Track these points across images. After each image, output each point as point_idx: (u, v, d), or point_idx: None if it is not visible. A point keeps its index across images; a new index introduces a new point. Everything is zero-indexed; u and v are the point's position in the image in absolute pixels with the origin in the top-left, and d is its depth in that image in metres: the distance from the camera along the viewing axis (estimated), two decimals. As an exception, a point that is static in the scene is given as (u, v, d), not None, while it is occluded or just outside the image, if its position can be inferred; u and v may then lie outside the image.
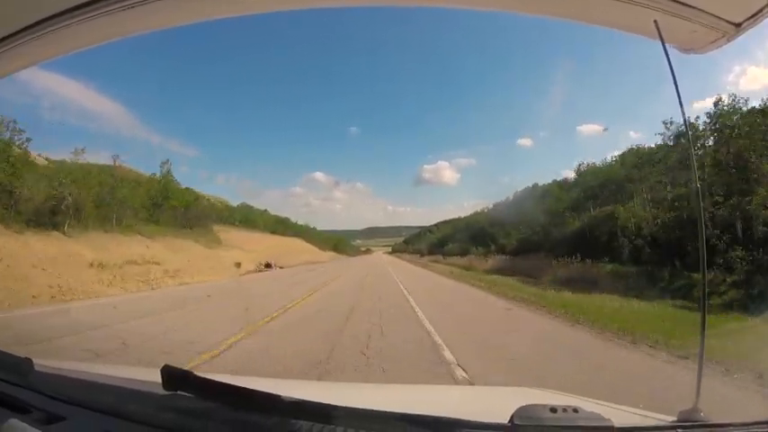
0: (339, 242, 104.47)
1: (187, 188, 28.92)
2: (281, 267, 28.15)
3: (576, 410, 0.78)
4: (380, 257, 76.53)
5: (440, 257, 45.74)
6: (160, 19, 1.21)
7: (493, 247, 33.31)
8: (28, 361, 1.04)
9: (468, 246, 39.77)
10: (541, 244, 26.58)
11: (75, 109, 67.83)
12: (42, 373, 1.04)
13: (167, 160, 30.66)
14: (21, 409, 0.93)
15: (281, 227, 64.42)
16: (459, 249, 42.09)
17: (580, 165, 27.85)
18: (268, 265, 27.40)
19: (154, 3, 1.09)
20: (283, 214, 73.60)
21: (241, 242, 32.64)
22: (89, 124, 73.19)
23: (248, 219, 55.69)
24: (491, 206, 46.76)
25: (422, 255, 68.82)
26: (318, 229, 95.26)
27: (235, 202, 59.43)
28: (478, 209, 51.83)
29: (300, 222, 79.03)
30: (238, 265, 22.65)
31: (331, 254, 77.76)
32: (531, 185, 38.95)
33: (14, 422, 0.83)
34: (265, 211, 66.22)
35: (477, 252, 33.86)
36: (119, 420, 0.88)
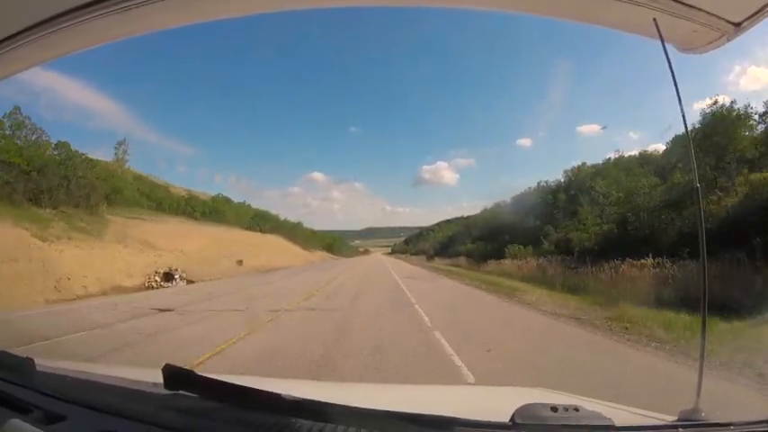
0: (334, 242, 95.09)
1: (60, 142, 17.82)
2: (189, 282, 16.75)
3: (576, 409, 0.77)
4: (380, 259, 65.93)
5: (460, 260, 33.85)
6: (162, 20, 1.18)
7: (546, 245, 22.15)
8: (29, 361, 1.01)
9: (495, 245, 28.47)
10: (648, 237, 15.87)
11: (73, 107, 62.51)
12: (43, 373, 1.02)
13: (124, 140, 21.84)
14: (21, 409, 0.91)
15: (261, 222, 54.37)
16: (484, 250, 30.46)
17: (714, 102, 16.09)
18: (168, 277, 16.12)
19: (156, 3, 1.06)
20: (283, 215, 66.31)
21: (163, 237, 21.37)
22: (87, 123, 68.29)
23: (215, 211, 45.90)
24: (509, 200, 37.51)
25: (429, 257, 57.09)
26: (317, 229, 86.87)
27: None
28: (480, 207, 42.50)
29: (297, 223, 70.94)
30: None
31: (321, 254, 66.96)
32: (581, 163, 28.95)
33: (15, 422, 0.81)
34: (244, 203, 56.49)
35: (522, 253, 22.30)
36: (120, 420, 0.86)
